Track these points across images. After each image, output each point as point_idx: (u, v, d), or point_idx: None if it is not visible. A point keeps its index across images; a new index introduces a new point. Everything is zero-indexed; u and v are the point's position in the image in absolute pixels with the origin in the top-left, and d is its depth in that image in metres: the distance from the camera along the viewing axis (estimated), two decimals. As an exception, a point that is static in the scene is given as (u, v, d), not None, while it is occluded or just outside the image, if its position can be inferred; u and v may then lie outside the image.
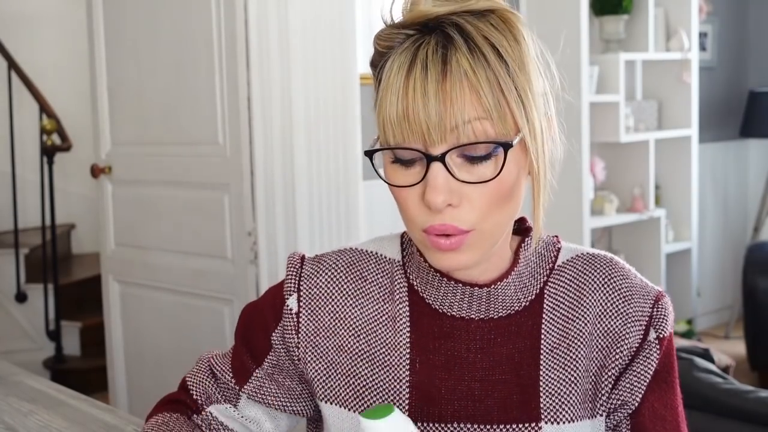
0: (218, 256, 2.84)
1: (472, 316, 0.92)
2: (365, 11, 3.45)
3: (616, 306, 0.92)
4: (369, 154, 0.85)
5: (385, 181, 0.86)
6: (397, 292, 0.95)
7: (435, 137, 0.80)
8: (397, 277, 0.96)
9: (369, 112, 3.11)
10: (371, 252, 0.98)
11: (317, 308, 0.96)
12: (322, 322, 0.95)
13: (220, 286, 2.84)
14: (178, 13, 2.86)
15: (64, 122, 4.21)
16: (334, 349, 0.95)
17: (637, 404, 0.92)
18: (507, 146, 0.82)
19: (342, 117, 2.74)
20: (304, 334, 0.95)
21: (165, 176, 3.00)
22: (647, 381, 0.91)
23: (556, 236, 0.99)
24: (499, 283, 0.92)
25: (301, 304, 0.96)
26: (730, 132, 4.82)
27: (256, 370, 0.98)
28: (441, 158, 0.81)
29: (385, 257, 0.98)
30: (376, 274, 0.97)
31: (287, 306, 0.97)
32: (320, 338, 0.95)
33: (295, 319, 0.96)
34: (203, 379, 1.02)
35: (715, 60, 4.81)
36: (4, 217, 4.58)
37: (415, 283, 0.94)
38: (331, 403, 0.94)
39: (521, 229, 0.98)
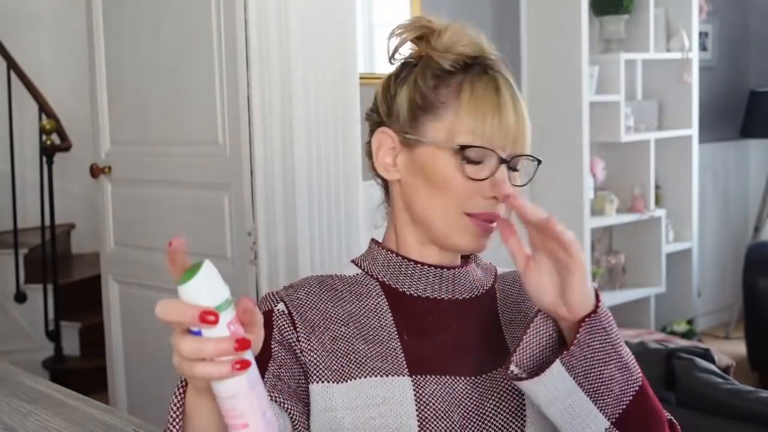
0: (218, 256, 2.84)
1: (442, 296, 1.11)
2: (365, 11, 3.44)
3: None
4: (464, 148, 1.05)
5: (466, 175, 1.05)
6: (372, 292, 1.11)
7: (519, 144, 1.06)
8: (366, 282, 1.12)
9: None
10: (333, 275, 1.14)
11: (305, 312, 1.07)
12: (313, 321, 1.07)
13: (220, 286, 2.84)
14: (178, 13, 2.85)
15: (64, 122, 4.21)
16: (330, 339, 1.06)
17: None
18: (539, 162, 1.09)
19: (342, 117, 2.74)
20: (301, 329, 1.06)
21: (165, 176, 3.00)
22: None
23: (491, 264, 1.22)
24: (460, 268, 1.13)
25: (290, 308, 1.07)
26: (730, 132, 4.82)
27: (266, 373, 1.02)
28: (510, 161, 1.06)
29: (347, 276, 1.13)
30: (344, 285, 1.12)
31: (278, 310, 1.07)
32: (317, 332, 1.06)
33: (289, 318, 1.06)
34: None
35: (716, 60, 4.80)
36: (4, 217, 4.57)
37: (385, 280, 1.11)
38: (334, 382, 1.03)
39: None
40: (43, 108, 4.20)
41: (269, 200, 2.68)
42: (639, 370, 0.98)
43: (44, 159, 4.17)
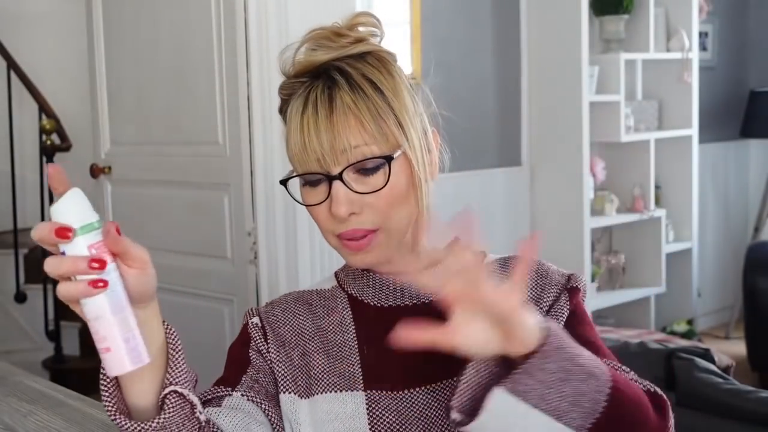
0: (218, 256, 2.84)
1: (406, 302, 1.08)
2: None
3: (534, 281, 1.08)
4: (283, 182, 1.05)
5: (299, 203, 1.04)
6: (339, 305, 1.11)
7: (329, 161, 0.99)
8: (337, 295, 1.12)
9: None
10: (312, 290, 1.16)
11: (278, 327, 1.11)
12: (285, 336, 1.10)
13: (220, 286, 2.84)
14: (178, 13, 2.86)
15: (64, 122, 4.21)
16: (299, 355, 1.09)
17: None
18: (389, 159, 1.00)
19: (342, 117, 2.74)
20: (272, 342, 1.10)
21: (165, 176, 3.00)
22: (563, 318, 1.05)
23: (483, 251, 1.14)
24: (424, 271, 1.04)
25: (264, 322, 1.11)
26: (730, 132, 4.82)
27: (244, 376, 1.08)
28: (339, 177, 0.99)
29: (325, 290, 1.15)
30: (319, 299, 1.14)
31: (252, 323, 1.11)
32: (287, 348, 1.09)
33: (262, 331, 1.10)
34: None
35: (716, 60, 4.80)
36: (4, 217, 4.57)
37: (353, 293, 1.11)
38: (300, 397, 1.06)
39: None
40: (43, 108, 4.20)
41: (269, 200, 2.68)
42: (606, 372, 0.90)
43: (44, 159, 4.17)
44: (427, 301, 1.08)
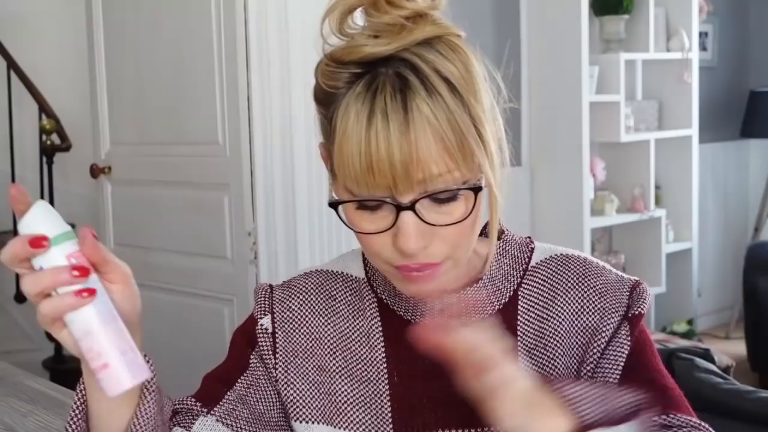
0: (218, 256, 2.84)
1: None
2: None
3: (593, 302, 0.92)
4: (334, 205, 0.85)
5: (350, 228, 0.85)
6: (368, 308, 0.96)
7: (402, 189, 0.79)
8: (365, 294, 0.96)
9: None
10: (337, 272, 0.99)
11: (292, 330, 0.96)
12: (299, 344, 0.96)
13: (220, 286, 2.84)
14: (178, 13, 2.85)
15: (64, 122, 4.21)
16: (314, 369, 0.95)
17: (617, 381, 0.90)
18: (477, 190, 0.82)
19: (342, 117, 2.74)
20: (282, 356, 0.95)
21: (165, 176, 3.00)
22: (623, 357, 0.90)
23: (529, 237, 0.99)
24: (468, 288, 0.92)
25: (276, 325, 0.96)
26: (730, 132, 4.82)
27: (228, 393, 0.95)
28: (411, 207, 0.80)
29: (351, 276, 0.98)
30: (345, 293, 0.97)
31: (261, 326, 0.96)
32: (299, 359, 0.95)
33: (271, 339, 0.96)
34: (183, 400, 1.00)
35: (716, 60, 4.80)
36: (4, 217, 4.57)
37: (383, 297, 0.95)
38: (315, 423, 0.94)
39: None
40: (43, 108, 4.20)
41: (269, 200, 2.69)
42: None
43: (44, 159, 4.17)
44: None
